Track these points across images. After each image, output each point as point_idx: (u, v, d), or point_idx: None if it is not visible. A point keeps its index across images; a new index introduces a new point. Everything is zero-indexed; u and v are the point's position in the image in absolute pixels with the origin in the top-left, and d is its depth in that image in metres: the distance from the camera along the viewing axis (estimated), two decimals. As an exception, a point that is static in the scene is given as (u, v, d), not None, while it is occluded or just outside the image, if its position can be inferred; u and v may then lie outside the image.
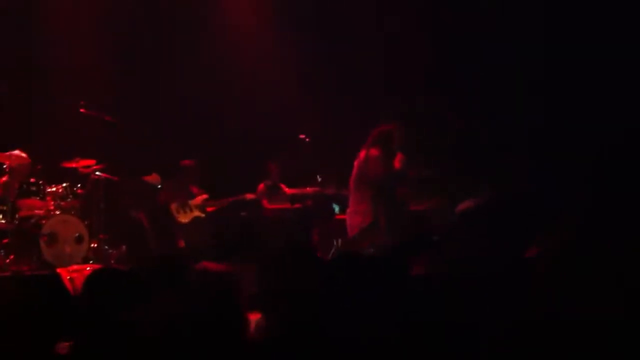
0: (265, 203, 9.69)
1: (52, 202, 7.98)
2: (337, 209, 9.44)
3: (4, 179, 7.80)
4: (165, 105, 10.13)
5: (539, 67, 8.98)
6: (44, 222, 7.72)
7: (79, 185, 8.33)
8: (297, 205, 9.73)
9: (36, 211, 7.91)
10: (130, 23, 10.02)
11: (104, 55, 9.90)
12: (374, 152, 6.92)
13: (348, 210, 7.16)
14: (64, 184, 8.15)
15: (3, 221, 7.66)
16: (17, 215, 7.81)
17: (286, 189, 9.78)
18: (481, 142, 9.32)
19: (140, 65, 10.05)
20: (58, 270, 7.17)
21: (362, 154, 7.00)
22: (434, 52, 9.61)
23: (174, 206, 9.32)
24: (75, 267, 7.44)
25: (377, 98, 9.62)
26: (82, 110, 8.52)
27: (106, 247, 8.37)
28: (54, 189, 8.05)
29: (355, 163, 7.06)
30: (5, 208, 7.69)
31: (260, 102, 10.23)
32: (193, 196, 9.47)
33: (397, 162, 6.93)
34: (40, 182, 7.96)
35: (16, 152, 7.97)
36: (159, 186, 9.20)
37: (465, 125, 9.44)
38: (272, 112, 10.16)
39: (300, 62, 10.03)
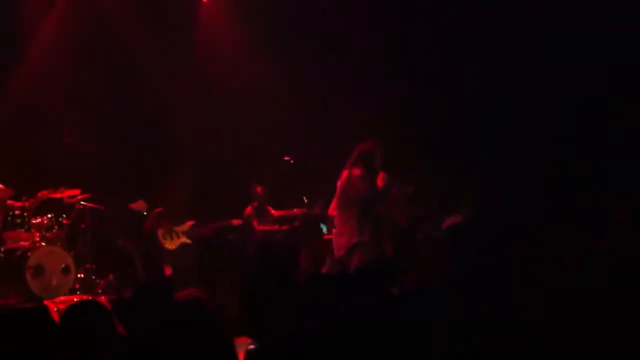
0: (255, 224, 9.69)
1: (38, 234, 7.92)
2: (324, 228, 9.44)
3: (-13, 212, 7.75)
4: (149, 130, 10.12)
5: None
6: (29, 254, 7.65)
7: (64, 215, 8.28)
8: (284, 227, 9.73)
9: (22, 243, 7.85)
10: (113, 54, 10.04)
11: (86, 85, 9.93)
12: (356, 171, 6.93)
13: (334, 231, 7.15)
14: (49, 215, 8.09)
15: (-12, 255, 7.61)
16: (2, 248, 7.75)
17: (273, 211, 9.79)
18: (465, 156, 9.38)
19: (125, 94, 10.06)
20: (45, 302, 7.10)
21: (345, 173, 7.01)
22: (418, 71, 9.70)
23: (160, 232, 9.29)
24: (62, 298, 7.38)
25: (360, 118, 9.67)
26: (66, 140, 8.50)
27: (93, 277, 8.30)
28: (39, 220, 8.00)
29: (338, 183, 7.06)
30: (-11, 241, 7.65)
31: (244, 126, 10.26)
32: (180, 222, 9.45)
33: (380, 181, 6.93)
34: (25, 214, 7.90)
35: (-1, 185, 7.93)
36: (145, 213, 9.17)
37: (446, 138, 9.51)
38: (256, 135, 10.18)
39: (284, 86, 10.08)
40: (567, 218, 7.81)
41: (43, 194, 8.04)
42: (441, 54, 9.53)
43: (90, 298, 7.50)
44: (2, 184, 7.93)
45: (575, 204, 8.17)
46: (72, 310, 3.23)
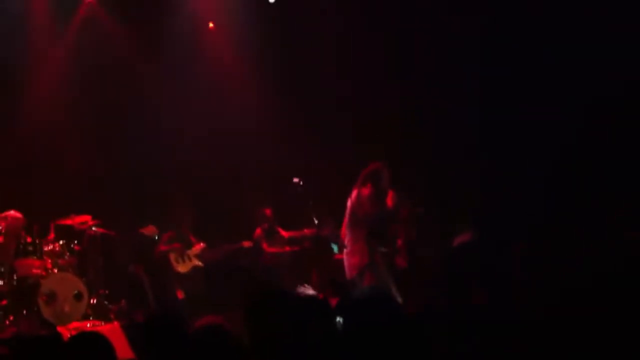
0: (265, 247, 9.69)
1: (50, 261, 7.94)
2: (335, 248, 9.43)
3: (0, 240, 7.78)
4: (160, 156, 10.16)
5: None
6: (42, 281, 7.68)
7: (75, 242, 8.31)
8: (295, 248, 9.73)
9: (34, 270, 7.87)
10: (120, 82, 10.12)
11: (94, 112, 10.00)
12: (365, 191, 6.94)
13: (345, 251, 7.15)
14: (61, 242, 8.12)
15: (1, 282, 7.62)
16: (15, 276, 7.77)
17: (283, 232, 9.79)
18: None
19: (134, 120, 10.10)
20: (58, 328, 7.11)
21: (354, 193, 7.02)
22: (421, 87, 9.73)
23: (172, 256, 9.31)
24: (75, 324, 7.39)
25: (367, 138, 9.70)
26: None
27: (106, 302, 8.31)
28: (50, 247, 8.03)
29: (348, 203, 7.08)
30: (2, 269, 7.67)
31: (252, 147, 10.29)
32: (191, 245, 9.47)
33: (389, 200, 6.95)
34: (37, 241, 7.93)
35: (11, 212, 7.97)
36: (156, 237, 9.20)
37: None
38: (265, 157, 10.21)
39: (293, 106, 10.12)
40: (567, 219, 7.82)
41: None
42: (441, 54, 9.54)
43: (102, 323, 7.53)
44: (18, 212, 7.98)
45: (575, 205, 8.17)
46: (72, 343, 3.26)
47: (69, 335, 6.68)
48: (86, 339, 3.35)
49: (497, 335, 3.25)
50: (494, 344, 3.10)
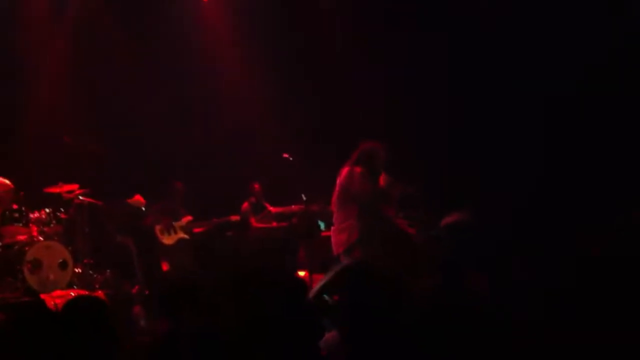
0: (253, 221, 9.69)
1: (36, 228, 7.90)
2: (322, 225, 9.43)
3: (-13, 206, 7.73)
4: (149, 127, 10.12)
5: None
6: (27, 248, 7.63)
7: (62, 210, 8.27)
8: (282, 224, 9.73)
9: (19, 237, 7.83)
10: (112, 55, 10.05)
11: (86, 82, 9.94)
12: (358, 169, 6.91)
13: (333, 228, 7.13)
14: (47, 210, 8.07)
15: (-14, 249, 7.59)
16: (0, 243, 7.74)
17: (271, 208, 9.79)
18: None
19: (124, 91, 10.04)
20: (42, 296, 7.09)
21: (345, 171, 6.98)
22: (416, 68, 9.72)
23: (158, 228, 9.29)
24: (59, 292, 7.36)
25: (359, 115, 9.67)
26: (65, 138, 8.49)
27: (91, 272, 8.29)
28: (37, 215, 7.98)
29: (338, 180, 7.04)
30: (-13, 236, 7.64)
31: (243, 121, 10.26)
32: (178, 218, 9.45)
33: (382, 181, 6.92)
34: (23, 208, 7.88)
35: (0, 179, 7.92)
36: (143, 209, 9.16)
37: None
38: (255, 131, 10.18)
39: (284, 81, 10.08)
40: (565, 219, 7.86)
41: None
42: (438, 50, 9.54)
43: (86, 293, 7.50)
44: (9, 181, 7.92)
45: (574, 205, 8.21)
46: (72, 304, 3.23)
47: (52, 303, 6.70)
48: (86, 301, 3.33)
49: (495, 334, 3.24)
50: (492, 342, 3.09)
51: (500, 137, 9.12)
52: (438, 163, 9.35)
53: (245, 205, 9.79)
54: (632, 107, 8.61)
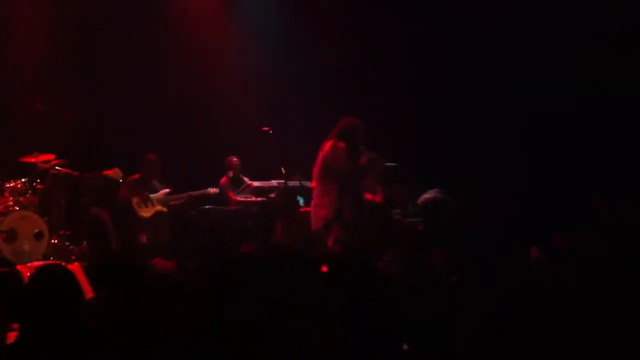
0: (231, 195, 9.65)
1: (11, 198, 7.80)
2: (301, 201, 9.41)
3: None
4: (126, 98, 10.02)
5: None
6: (2, 218, 7.55)
7: (38, 180, 8.17)
8: (261, 198, 9.70)
9: (-6, 207, 7.75)
10: (87, 17, 9.92)
11: (60, 49, 9.80)
12: (340, 144, 6.89)
13: (312, 203, 7.12)
14: (23, 180, 7.98)
15: (-41, 219, 7.49)
16: (-26, 213, 7.65)
17: (250, 182, 9.75)
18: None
19: (100, 59, 9.94)
20: (18, 267, 7.03)
21: (327, 145, 6.96)
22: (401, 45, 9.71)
23: (135, 201, 9.22)
24: (35, 264, 7.29)
25: (340, 90, 9.65)
26: (38, 106, 8.36)
27: (67, 243, 8.21)
28: (12, 184, 7.88)
29: (320, 155, 7.02)
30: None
31: (222, 94, 10.20)
32: (155, 190, 9.39)
33: (363, 158, 6.92)
34: (-4, 178, 7.79)
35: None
36: (120, 181, 9.08)
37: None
38: (235, 104, 10.12)
39: (263, 53, 10.02)
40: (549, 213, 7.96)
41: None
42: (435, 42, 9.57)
43: (62, 264, 7.43)
44: None
45: (556, 198, 8.32)
46: (38, 274, 3.21)
47: (28, 274, 6.64)
48: (52, 270, 3.30)
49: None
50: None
51: (492, 126, 9.21)
52: (427, 140, 9.39)
53: (224, 179, 9.74)
54: (632, 107, 8.72)
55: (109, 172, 8.90)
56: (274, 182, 9.51)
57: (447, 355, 3.12)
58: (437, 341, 3.16)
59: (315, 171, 7.09)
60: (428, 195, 8.84)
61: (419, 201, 8.94)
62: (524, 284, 3.62)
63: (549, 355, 2.94)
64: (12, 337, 3.07)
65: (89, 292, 5.79)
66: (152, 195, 9.32)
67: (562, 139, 8.96)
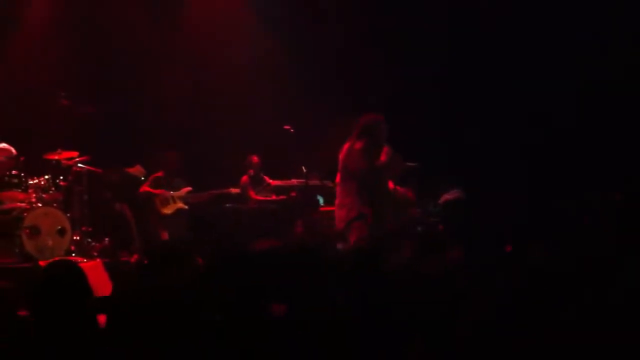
0: (252, 194, 9.68)
1: (34, 195, 7.87)
2: (321, 200, 9.42)
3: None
4: (150, 97, 10.08)
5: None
6: (25, 214, 7.62)
7: (61, 177, 8.24)
8: (281, 197, 9.72)
9: (18, 204, 7.81)
10: (110, 16, 9.98)
11: (84, 47, 9.88)
12: (358, 145, 6.88)
13: (336, 202, 7.15)
14: (46, 176, 8.04)
15: (-16, 213, 7.58)
16: (-3, 208, 7.73)
17: (270, 181, 9.77)
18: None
19: (123, 58, 10.00)
20: (40, 263, 7.09)
21: (346, 147, 6.97)
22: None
23: (158, 199, 9.27)
24: (57, 259, 7.35)
25: (361, 89, 9.64)
26: (63, 101, 8.43)
27: (89, 239, 8.28)
28: (36, 181, 7.95)
29: (340, 156, 7.03)
30: (-15, 201, 7.62)
31: (244, 93, 10.21)
32: (177, 188, 9.43)
33: (384, 155, 6.89)
34: (22, 174, 7.85)
35: (2, 144, 7.88)
36: (143, 178, 9.14)
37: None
38: (257, 103, 10.14)
39: (285, 53, 10.02)
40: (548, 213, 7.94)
41: None
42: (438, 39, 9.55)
43: (84, 260, 7.50)
44: (12, 147, 7.90)
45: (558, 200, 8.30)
46: (48, 270, 3.26)
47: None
48: (58, 266, 3.35)
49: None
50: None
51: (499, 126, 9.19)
52: (441, 141, 9.37)
53: (245, 178, 9.76)
54: (632, 107, 8.69)
55: (132, 169, 8.96)
56: (294, 181, 9.52)
57: (447, 355, 3.11)
58: (438, 340, 3.16)
59: (338, 172, 7.12)
60: (450, 195, 8.86)
61: (440, 201, 8.98)
62: (524, 284, 3.60)
63: (549, 355, 2.94)
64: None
65: (108, 288, 5.88)
66: (173, 193, 9.37)
67: (563, 139, 8.92)
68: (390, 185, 7.61)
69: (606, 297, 3.28)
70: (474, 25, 9.37)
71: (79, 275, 3.24)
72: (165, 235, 9.09)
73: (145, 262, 4.86)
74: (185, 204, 9.41)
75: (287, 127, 8.83)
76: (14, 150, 7.91)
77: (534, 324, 3.08)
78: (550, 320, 3.14)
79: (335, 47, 10.04)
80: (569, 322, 3.11)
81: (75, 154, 8.37)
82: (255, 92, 10.16)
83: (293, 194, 9.60)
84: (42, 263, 7.08)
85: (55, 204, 8.00)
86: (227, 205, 9.64)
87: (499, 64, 9.26)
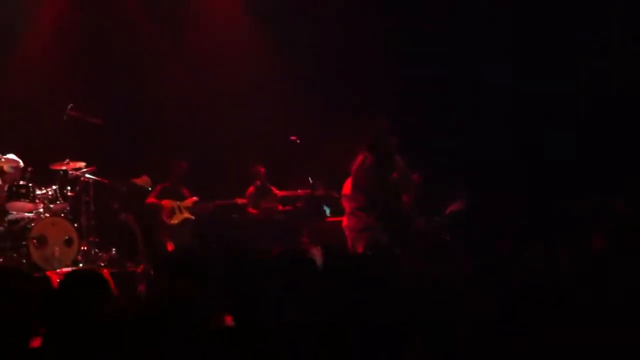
0: (250, 210, 9.69)
1: (42, 205, 7.92)
2: (328, 210, 9.43)
3: (-4, 182, 7.76)
4: (156, 108, 10.12)
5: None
6: (33, 224, 7.67)
7: (69, 187, 8.28)
8: (287, 207, 9.73)
9: (26, 214, 7.86)
10: (116, 26, 10.04)
11: (90, 58, 9.93)
12: (369, 160, 6.95)
13: (346, 211, 7.23)
14: (54, 187, 8.09)
15: (-8, 224, 7.62)
16: (6, 218, 7.76)
17: (276, 191, 9.78)
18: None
19: (130, 68, 10.05)
20: (47, 273, 7.12)
21: (359, 159, 7.03)
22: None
23: (165, 211, 9.30)
24: (64, 270, 7.39)
25: (369, 98, 9.65)
26: (70, 112, 8.47)
27: (96, 249, 8.32)
28: (43, 191, 8.00)
29: (352, 168, 7.10)
30: (-6, 211, 7.66)
31: (251, 104, 10.23)
32: (183, 198, 9.46)
33: (394, 167, 6.96)
34: (30, 184, 7.90)
35: (10, 155, 7.93)
36: (149, 188, 9.17)
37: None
38: (263, 114, 10.16)
39: (292, 64, 10.04)
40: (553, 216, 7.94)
41: None
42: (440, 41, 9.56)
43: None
44: (20, 158, 7.95)
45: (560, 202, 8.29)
46: (71, 278, 3.27)
47: (57, 280, 6.72)
48: (85, 275, 3.36)
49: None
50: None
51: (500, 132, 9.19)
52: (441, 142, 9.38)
53: (251, 189, 9.78)
54: (632, 107, 8.68)
55: (139, 180, 9.00)
56: (300, 191, 9.54)
57: (447, 355, 3.12)
58: (438, 340, 3.17)
59: (348, 181, 7.17)
60: (455, 206, 8.86)
61: (446, 212, 8.98)
62: (524, 284, 3.61)
63: (549, 355, 2.94)
64: (37, 342, 3.10)
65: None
66: (180, 203, 9.39)
67: (562, 139, 8.92)
68: (405, 199, 7.63)
69: (606, 297, 3.29)
70: (473, 25, 9.36)
71: (102, 281, 3.25)
72: (170, 246, 9.11)
73: (152, 272, 4.89)
74: (192, 214, 9.44)
75: (293, 137, 8.87)
76: (21, 162, 7.96)
77: (534, 324, 3.09)
78: (550, 320, 3.14)
79: (335, 47, 10.04)
80: (569, 322, 3.12)
81: (82, 164, 8.41)
82: (261, 104, 10.17)
83: (299, 204, 9.61)
84: (48, 273, 7.11)
85: (62, 214, 8.05)
86: (233, 215, 9.67)
87: (499, 64, 9.23)
